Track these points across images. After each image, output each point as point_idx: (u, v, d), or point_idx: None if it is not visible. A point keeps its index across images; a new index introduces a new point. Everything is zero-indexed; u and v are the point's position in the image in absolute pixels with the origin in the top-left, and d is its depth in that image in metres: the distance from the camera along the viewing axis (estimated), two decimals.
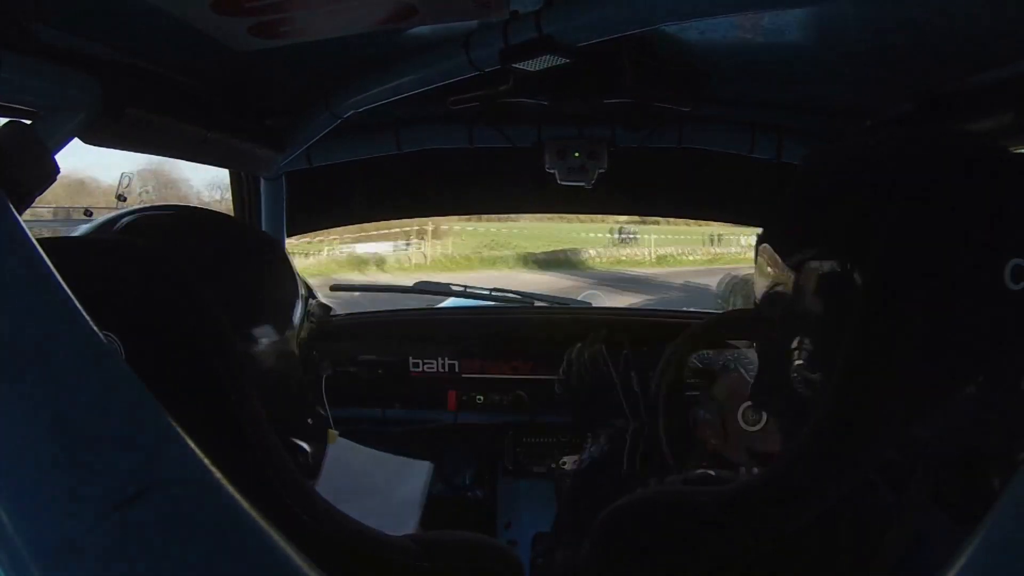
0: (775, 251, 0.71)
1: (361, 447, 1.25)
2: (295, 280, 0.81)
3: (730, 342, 2.00)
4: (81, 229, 0.75)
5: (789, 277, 0.69)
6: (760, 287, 0.75)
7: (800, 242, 0.68)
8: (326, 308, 0.87)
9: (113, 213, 0.79)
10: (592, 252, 20.71)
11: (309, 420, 0.83)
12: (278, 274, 0.80)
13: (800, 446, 0.65)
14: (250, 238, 0.82)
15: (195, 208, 0.83)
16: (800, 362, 0.68)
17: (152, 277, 0.56)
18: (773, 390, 0.74)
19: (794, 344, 0.68)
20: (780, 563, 0.64)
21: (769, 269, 0.73)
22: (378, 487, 1.21)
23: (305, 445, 0.80)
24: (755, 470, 1.21)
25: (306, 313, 0.83)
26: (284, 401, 0.79)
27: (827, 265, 0.64)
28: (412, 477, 1.30)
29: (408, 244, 19.30)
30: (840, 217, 0.66)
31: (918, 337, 0.60)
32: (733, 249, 20.32)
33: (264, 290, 0.78)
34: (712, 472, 0.74)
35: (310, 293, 0.85)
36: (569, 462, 1.88)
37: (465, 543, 0.67)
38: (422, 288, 2.53)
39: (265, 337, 0.75)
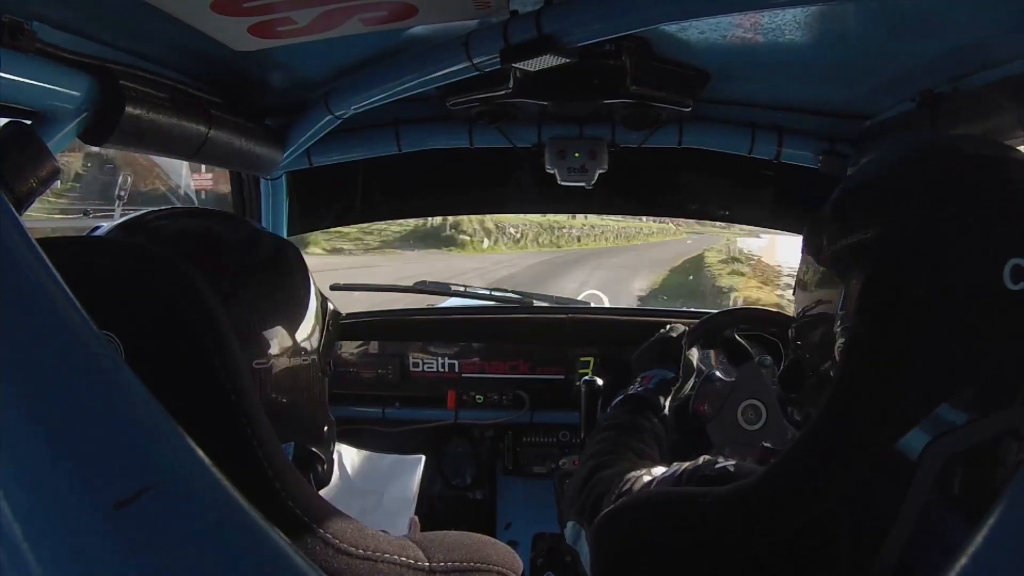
0: (813, 259, 0.73)
1: (353, 449, 1.26)
2: (312, 284, 0.81)
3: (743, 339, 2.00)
4: (105, 228, 0.74)
5: (829, 283, 0.70)
6: (799, 294, 0.77)
7: (828, 246, 0.69)
8: (337, 315, 0.86)
9: (138, 213, 0.77)
10: None
11: (325, 428, 0.83)
12: (301, 279, 0.79)
13: (799, 446, 0.65)
14: (272, 243, 0.80)
15: (215, 212, 0.81)
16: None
17: (151, 276, 0.56)
18: (804, 385, 0.75)
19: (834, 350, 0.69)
20: (780, 562, 0.64)
21: (809, 274, 0.74)
22: (371, 487, 1.22)
23: (322, 454, 0.80)
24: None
25: (325, 320, 0.82)
26: (308, 410, 0.79)
27: (846, 268, 0.65)
28: (404, 473, 1.30)
29: None
30: (846, 222, 0.66)
31: (916, 337, 0.60)
32: None
33: (289, 296, 0.77)
34: (731, 467, 0.74)
35: (324, 298, 0.84)
36: (568, 462, 1.88)
37: (467, 544, 0.67)
38: (422, 288, 2.53)
39: (291, 345, 0.75)
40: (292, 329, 0.75)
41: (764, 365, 1.68)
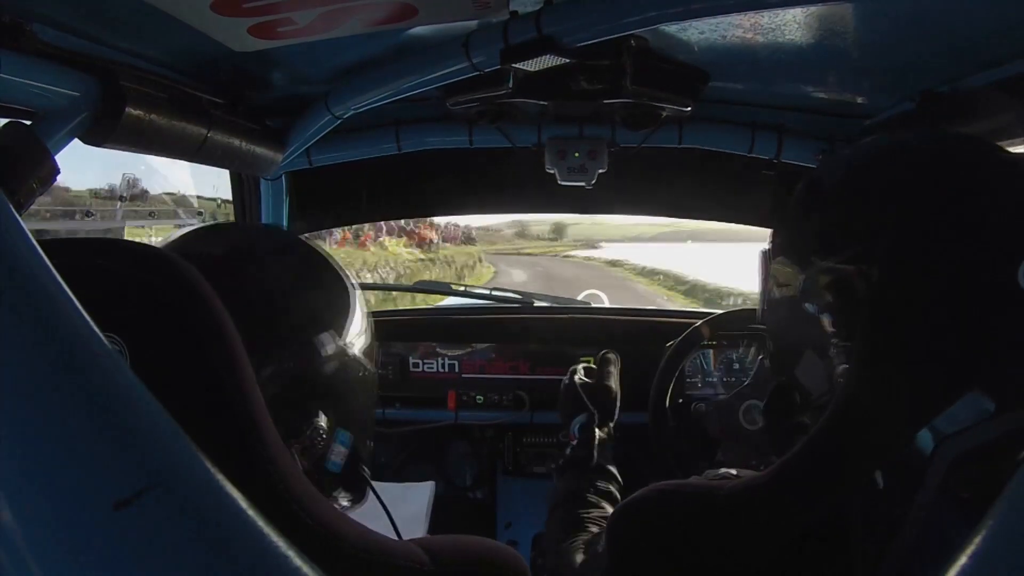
0: (788, 261, 0.71)
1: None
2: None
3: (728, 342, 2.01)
4: (175, 236, 0.74)
5: (801, 284, 0.68)
6: (773, 296, 0.75)
7: (813, 249, 0.68)
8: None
9: (190, 228, 0.79)
10: None
11: (370, 443, 0.83)
12: (346, 281, 0.80)
13: (810, 444, 0.65)
14: (309, 248, 0.81)
15: (255, 224, 0.83)
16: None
17: (153, 277, 0.56)
18: (794, 398, 0.73)
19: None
20: (789, 557, 0.64)
21: (782, 279, 0.72)
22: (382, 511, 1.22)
23: (367, 471, 0.80)
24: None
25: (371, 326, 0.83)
26: (363, 415, 0.80)
27: (842, 270, 0.64)
28: (415, 498, 1.30)
29: None
30: (850, 221, 0.66)
31: (928, 337, 0.59)
32: None
33: (339, 294, 0.78)
34: (734, 471, 0.74)
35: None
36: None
37: (471, 547, 0.67)
38: (422, 288, 2.53)
39: (343, 343, 0.76)
40: (343, 326, 0.76)
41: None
